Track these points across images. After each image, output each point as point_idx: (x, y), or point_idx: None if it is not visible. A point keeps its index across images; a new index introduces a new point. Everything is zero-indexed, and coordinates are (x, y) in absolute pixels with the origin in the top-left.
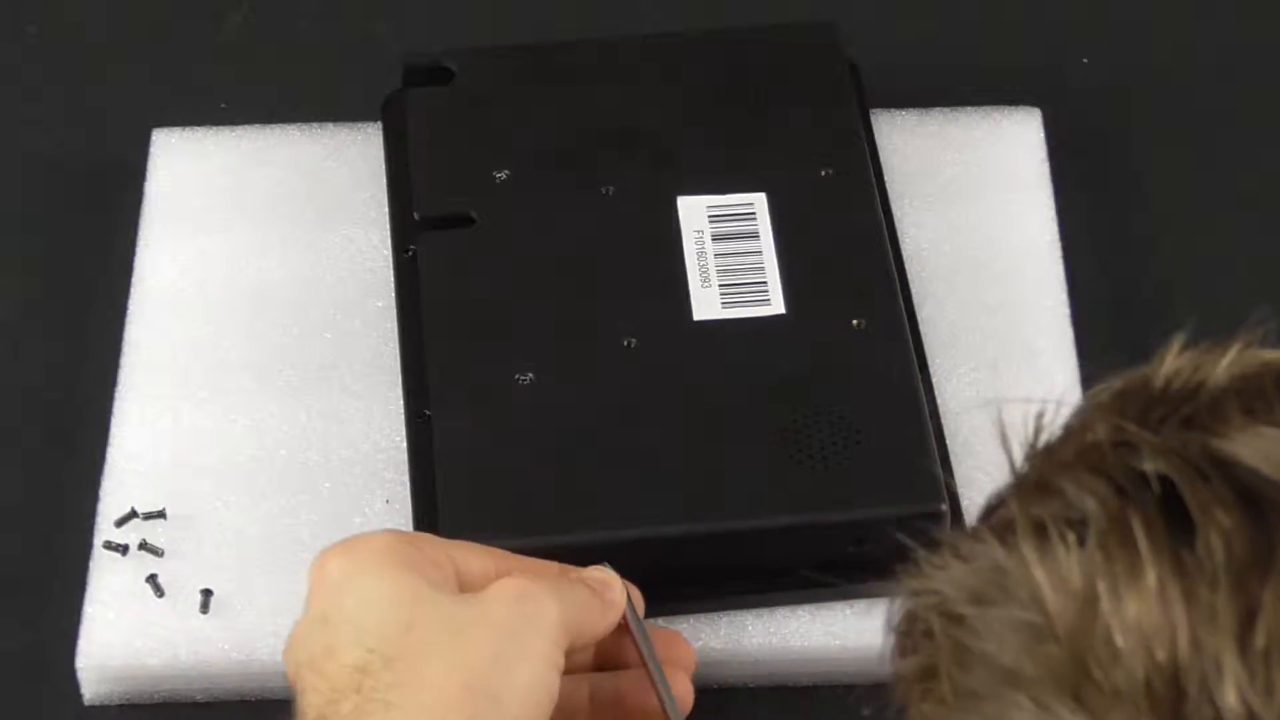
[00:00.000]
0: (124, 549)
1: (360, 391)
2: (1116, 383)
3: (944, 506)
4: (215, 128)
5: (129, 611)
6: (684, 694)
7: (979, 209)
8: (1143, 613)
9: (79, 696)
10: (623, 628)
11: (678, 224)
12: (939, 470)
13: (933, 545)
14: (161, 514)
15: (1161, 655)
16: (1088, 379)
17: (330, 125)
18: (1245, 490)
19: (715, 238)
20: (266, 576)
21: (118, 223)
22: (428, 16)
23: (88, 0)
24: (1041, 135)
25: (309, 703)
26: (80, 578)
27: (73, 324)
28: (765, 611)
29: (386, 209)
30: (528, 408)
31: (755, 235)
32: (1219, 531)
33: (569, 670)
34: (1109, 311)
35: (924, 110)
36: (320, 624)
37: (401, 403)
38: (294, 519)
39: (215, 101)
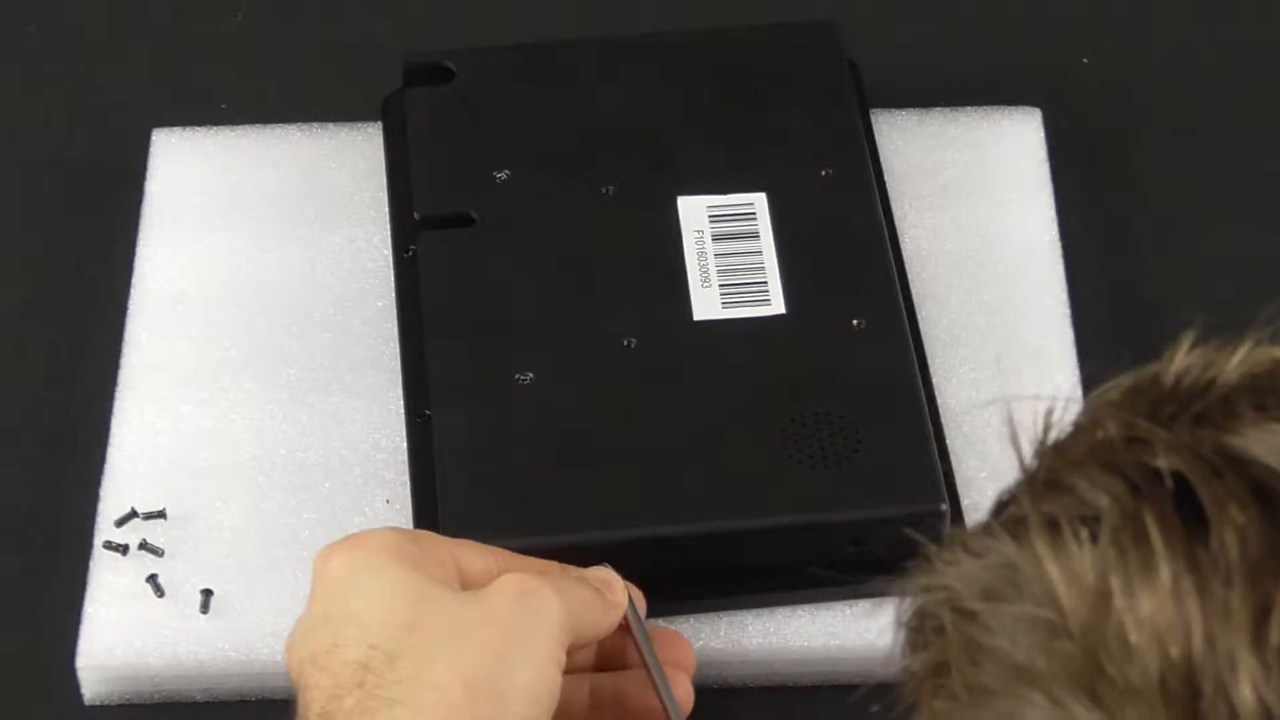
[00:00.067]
0: (124, 549)
1: (360, 391)
2: (1126, 380)
3: (944, 506)
4: (215, 128)
5: (129, 611)
6: (684, 695)
7: (979, 209)
8: (1157, 609)
9: (79, 696)
10: (624, 628)
11: (678, 224)
12: (939, 470)
13: (937, 545)
14: (162, 514)
15: (1176, 652)
16: (1088, 379)
17: (330, 125)
18: (1259, 486)
19: (715, 237)
20: (267, 576)
21: (118, 223)
22: (428, 16)
23: (88, 0)
24: (1041, 135)
25: (312, 699)
26: (80, 578)
27: (73, 324)
28: (765, 612)
29: (386, 209)
30: (528, 407)
31: (755, 235)
32: (1233, 528)
33: (570, 670)
34: (1109, 311)
35: (924, 110)
36: (323, 621)
37: (401, 402)
38: (294, 519)
39: (215, 101)
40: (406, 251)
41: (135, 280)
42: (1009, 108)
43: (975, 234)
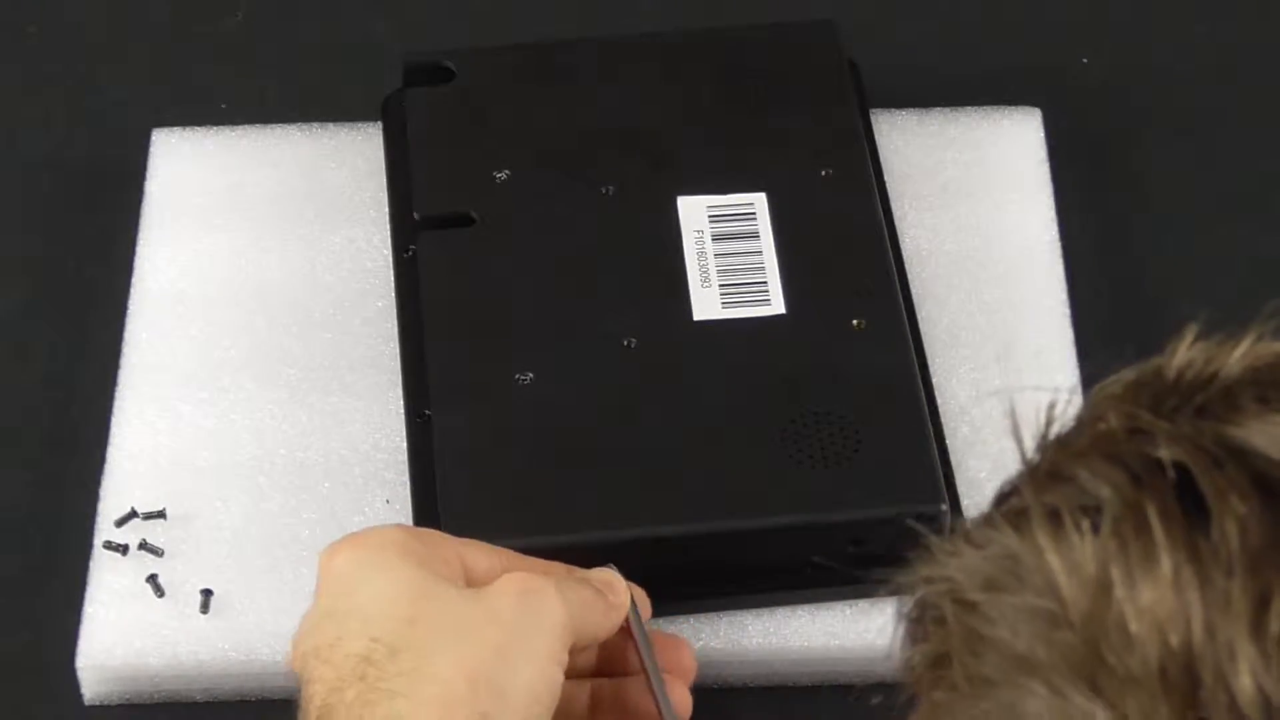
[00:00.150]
0: (124, 549)
1: (360, 391)
2: (1129, 374)
3: (944, 506)
4: (215, 127)
5: (129, 611)
6: (681, 701)
7: (979, 209)
8: (1157, 599)
9: (79, 696)
10: (626, 630)
11: (678, 224)
12: (939, 470)
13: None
14: (161, 514)
15: (1175, 641)
16: (1088, 378)
17: (330, 125)
18: (1260, 477)
19: (715, 237)
20: (267, 576)
21: (118, 223)
22: (428, 16)
23: (88, 0)
24: (1041, 135)
25: (314, 691)
26: (80, 578)
27: (73, 324)
28: (765, 611)
29: (386, 209)
30: (527, 407)
31: (755, 235)
32: (1234, 518)
33: (571, 671)
34: (1109, 311)
35: (924, 110)
36: (327, 615)
37: (401, 402)
38: (294, 519)
39: (215, 101)
40: (406, 251)
41: (135, 280)
42: (1009, 108)
43: (975, 234)
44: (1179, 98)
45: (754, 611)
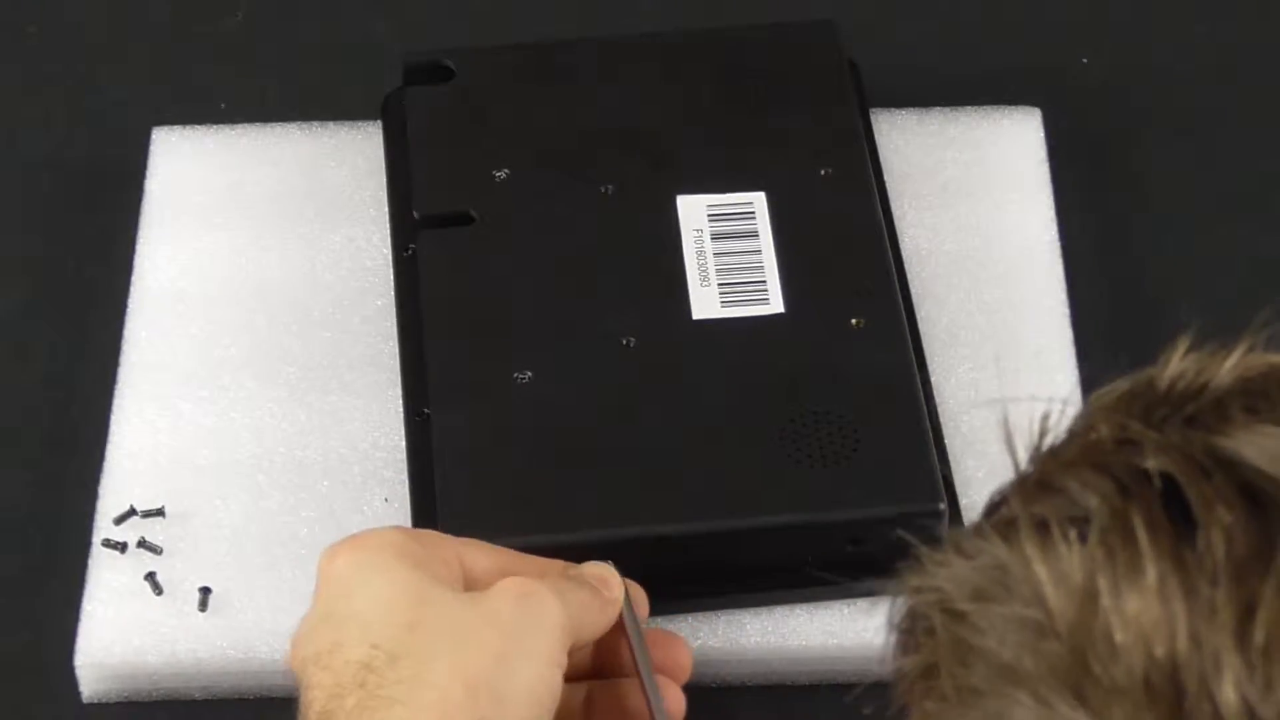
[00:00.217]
0: (123, 547)
1: (360, 390)
2: (1122, 384)
3: (942, 506)
4: (216, 126)
5: (127, 609)
6: (674, 700)
7: (979, 208)
8: (1143, 609)
9: (77, 694)
10: (621, 627)
11: (677, 223)
12: (937, 470)
13: (934, 544)
14: (160, 512)
15: (1160, 651)
16: (1088, 379)
17: (331, 124)
18: (1247, 487)
19: (714, 236)
20: (265, 574)
21: (118, 223)
22: (428, 16)
23: (87, 0)
24: (1041, 135)
25: (313, 697)
26: (80, 577)
27: (73, 324)
28: (763, 610)
29: (386, 207)
30: (526, 406)
31: (754, 234)
32: (1220, 528)
33: (568, 673)
34: (1109, 311)
35: (924, 110)
36: (326, 619)
37: (400, 401)
38: (293, 517)
39: (215, 101)
40: (406, 250)
41: (135, 278)
42: (1010, 108)
43: (975, 234)
44: (1179, 98)
45: (752, 610)
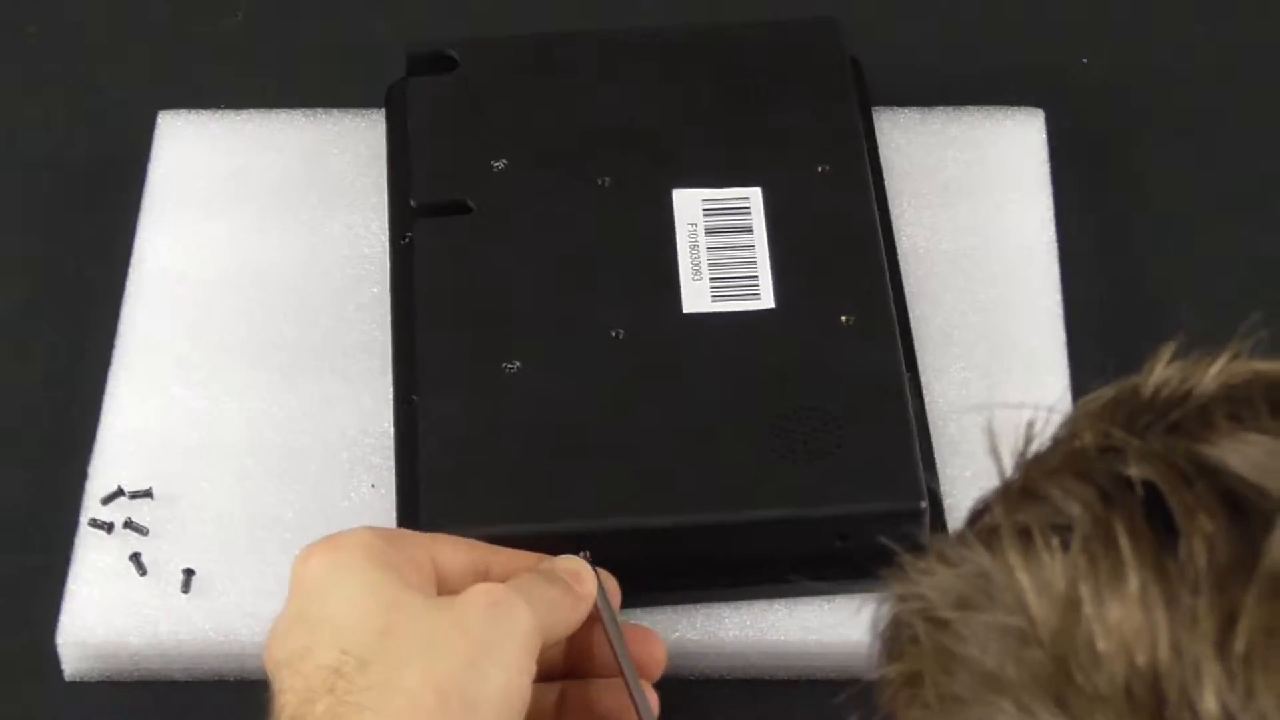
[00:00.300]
0: (109, 527)
1: (351, 376)
2: (1108, 391)
3: (923, 504)
4: (220, 111)
5: (111, 589)
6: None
7: (979, 208)
8: (1124, 617)
9: (59, 673)
10: (594, 620)
11: (671, 216)
12: (920, 468)
13: (916, 548)
14: (148, 493)
15: (1142, 659)
16: (1080, 382)
17: (335, 111)
18: (1229, 495)
19: (709, 231)
20: (249, 558)
21: (117, 223)
22: (428, 16)
23: (87, 0)
24: (1044, 136)
25: (285, 702)
26: (65, 555)
27: (73, 324)
28: (742, 604)
29: (386, 195)
30: (514, 396)
31: (748, 229)
32: (1202, 536)
33: (539, 670)
34: (1108, 312)
35: (926, 109)
36: (299, 621)
37: (391, 388)
38: (279, 501)
39: (215, 101)
40: (403, 238)
41: (134, 261)
42: (1012, 108)
43: (973, 233)
44: (1179, 98)
45: (731, 604)
